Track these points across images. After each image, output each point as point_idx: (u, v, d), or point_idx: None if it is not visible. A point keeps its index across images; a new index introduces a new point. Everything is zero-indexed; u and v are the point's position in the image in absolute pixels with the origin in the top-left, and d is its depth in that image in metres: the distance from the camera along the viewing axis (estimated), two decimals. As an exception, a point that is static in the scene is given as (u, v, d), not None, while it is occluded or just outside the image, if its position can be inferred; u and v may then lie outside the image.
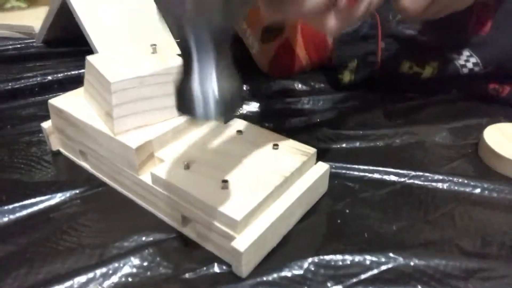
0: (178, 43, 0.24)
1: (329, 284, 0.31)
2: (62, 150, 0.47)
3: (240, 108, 0.27)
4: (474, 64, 0.54)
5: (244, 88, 0.56)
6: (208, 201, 0.32)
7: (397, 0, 0.39)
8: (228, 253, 0.32)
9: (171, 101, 0.40)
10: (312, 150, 0.38)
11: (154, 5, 0.33)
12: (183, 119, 0.41)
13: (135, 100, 0.38)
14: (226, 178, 0.34)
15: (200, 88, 0.25)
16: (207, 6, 0.23)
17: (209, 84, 0.25)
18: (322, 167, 0.39)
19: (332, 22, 0.32)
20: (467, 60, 0.54)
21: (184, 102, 0.26)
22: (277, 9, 0.31)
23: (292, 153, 0.38)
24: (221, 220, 0.32)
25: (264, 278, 0.32)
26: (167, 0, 0.24)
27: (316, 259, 0.33)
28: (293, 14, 0.32)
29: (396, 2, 0.39)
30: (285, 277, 0.32)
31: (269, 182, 0.34)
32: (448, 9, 0.43)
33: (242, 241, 0.31)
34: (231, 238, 0.31)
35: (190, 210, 0.34)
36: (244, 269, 0.31)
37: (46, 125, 0.45)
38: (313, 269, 0.32)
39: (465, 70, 0.55)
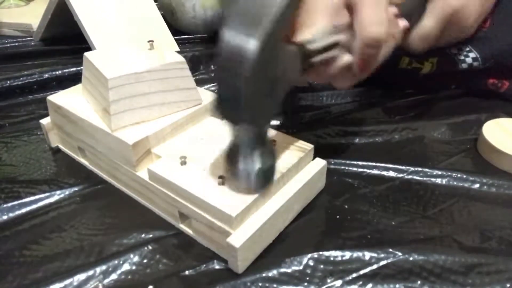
0: (231, 132, 0.32)
1: (328, 280, 0.31)
2: (61, 147, 0.47)
3: (275, 177, 0.34)
4: (474, 59, 0.54)
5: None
6: (204, 197, 0.32)
7: (407, 40, 0.44)
8: (224, 249, 0.32)
9: (167, 97, 0.40)
10: (309, 146, 0.38)
11: (151, 2, 0.35)
12: (180, 115, 0.41)
13: (132, 96, 0.38)
14: (223, 174, 0.34)
15: (245, 166, 0.31)
16: (259, 110, 0.29)
17: (252, 164, 0.31)
18: (319, 163, 0.39)
19: (346, 81, 0.39)
20: (467, 55, 0.54)
21: (232, 172, 0.32)
22: (312, 75, 0.38)
23: (289, 149, 0.38)
24: (217, 216, 0.32)
25: (264, 274, 0.32)
26: (227, 111, 0.29)
27: (315, 254, 0.33)
28: (319, 81, 0.42)
29: (406, 42, 0.44)
30: (285, 273, 0.32)
31: None
32: (452, 40, 0.49)
33: (238, 237, 0.31)
34: (227, 234, 0.31)
35: (186, 206, 0.34)
36: (240, 265, 0.31)
37: (45, 121, 0.45)
38: (312, 264, 0.32)
39: (464, 65, 0.54)
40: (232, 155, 0.32)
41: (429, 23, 0.43)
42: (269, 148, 0.33)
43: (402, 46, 0.44)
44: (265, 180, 0.32)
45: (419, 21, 0.44)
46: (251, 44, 0.26)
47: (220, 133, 0.40)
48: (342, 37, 0.36)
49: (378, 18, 0.34)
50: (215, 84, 0.28)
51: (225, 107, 0.29)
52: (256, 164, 0.31)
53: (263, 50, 0.26)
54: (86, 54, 0.41)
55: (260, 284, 0.31)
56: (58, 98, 0.43)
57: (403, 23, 0.40)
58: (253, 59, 0.26)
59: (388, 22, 0.35)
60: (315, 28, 0.35)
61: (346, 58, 0.36)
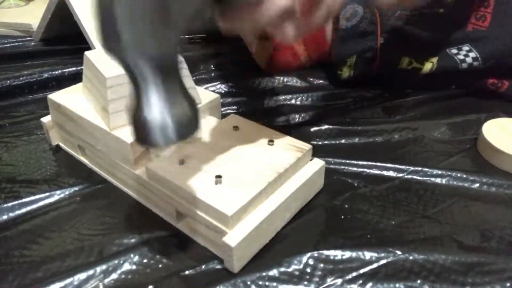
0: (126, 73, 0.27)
1: (328, 279, 0.31)
2: (61, 145, 0.47)
3: (198, 130, 0.27)
4: (474, 59, 0.54)
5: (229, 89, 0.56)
6: (201, 196, 0.32)
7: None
8: (220, 248, 0.32)
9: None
10: (307, 147, 0.38)
11: None
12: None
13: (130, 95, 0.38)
14: (220, 173, 0.34)
15: (153, 116, 0.25)
16: (140, 36, 0.23)
17: (161, 111, 0.25)
18: (318, 164, 0.39)
19: (291, 31, 0.33)
20: (467, 55, 0.54)
21: (140, 132, 0.26)
22: (234, 21, 0.31)
23: (287, 149, 0.38)
24: (213, 215, 0.32)
25: (264, 273, 0.32)
26: (107, 39, 0.24)
27: (315, 253, 0.33)
28: (251, 25, 0.32)
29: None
30: (285, 272, 0.32)
31: (262, 178, 0.34)
32: None
33: (234, 236, 0.31)
34: (223, 233, 0.31)
35: (184, 205, 0.34)
36: (236, 264, 0.32)
37: (45, 120, 0.46)
38: (312, 263, 0.32)
39: (464, 65, 0.55)
40: (132, 104, 0.26)
41: None
42: (184, 93, 0.27)
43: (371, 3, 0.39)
44: (177, 132, 0.26)
45: None
46: None
47: (219, 133, 0.40)
48: None
49: None
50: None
51: (105, 35, 0.24)
52: (163, 109, 0.25)
53: None
54: (87, 53, 0.41)
55: (260, 283, 0.31)
56: (58, 96, 0.44)
57: None
58: None
59: None
60: None
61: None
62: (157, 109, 0.25)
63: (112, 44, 0.24)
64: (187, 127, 0.26)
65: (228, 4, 0.28)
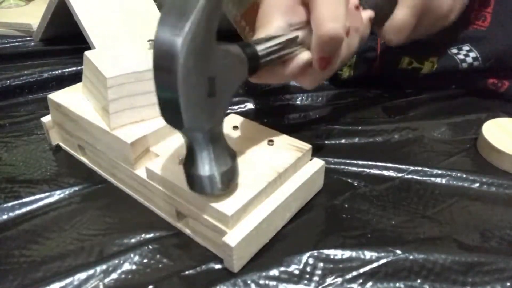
0: (183, 138, 0.32)
1: (328, 278, 0.31)
2: (61, 145, 0.47)
3: (237, 179, 0.33)
4: (474, 58, 0.54)
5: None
6: (200, 196, 0.32)
7: (381, 33, 0.42)
8: (220, 248, 0.32)
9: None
10: (307, 146, 0.38)
11: (151, 2, 0.35)
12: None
13: (131, 95, 0.38)
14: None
15: (205, 173, 0.31)
16: (197, 115, 0.28)
17: (211, 169, 0.31)
18: (318, 163, 0.39)
19: (310, 80, 0.38)
20: (467, 55, 0.54)
21: (194, 184, 0.32)
22: (268, 77, 0.37)
23: (287, 149, 0.38)
24: (213, 215, 0.32)
25: (264, 273, 0.32)
26: (169, 117, 0.29)
27: (315, 253, 0.33)
28: (278, 81, 0.40)
29: (381, 34, 0.43)
30: (285, 271, 0.32)
31: (262, 178, 0.34)
32: (430, 31, 0.46)
33: (234, 236, 0.31)
34: (223, 233, 0.31)
35: (183, 205, 0.34)
36: (236, 264, 0.31)
37: (45, 119, 0.46)
38: (312, 263, 0.32)
39: (464, 65, 0.55)
40: (188, 163, 0.32)
41: (402, 13, 0.41)
42: (227, 150, 0.32)
43: (381, 38, 0.42)
44: (223, 184, 0.31)
45: (392, 11, 0.42)
46: (179, 38, 0.25)
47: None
48: (298, 34, 0.35)
49: (334, 14, 0.33)
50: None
51: (167, 112, 0.28)
52: (212, 167, 0.30)
53: (193, 43, 0.25)
54: (86, 53, 0.41)
55: (260, 282, 0.31)
56: (58, 96, 0.44)
57: (367, 14, 0.39)
58: (183, 52, 0.25)
59: (346, 17, 0.33)
60: (270, 27, 0.35)
61: (304, 56, 0.35)
62: (207, 168, 0.31)
63: (174, 120, 0.28)
64: (229, 179, 0.32)
65: (257, 71, 0.34)
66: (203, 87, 0.28)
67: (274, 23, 0.35)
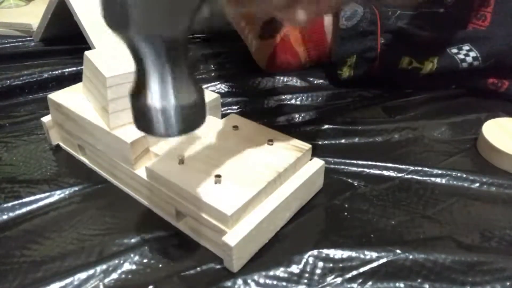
0: (130, 52, 0.25)
1: (328, 277, 0.31)
2: (61, 144, 0.47)
3: (203, 123, 0.26)
4: (474, 58, 0.54)
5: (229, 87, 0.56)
6: (200, 196, 0.32)
7: None
8: (220, 247, 0.32)
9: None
10: (307, 146, 0.38)
11: None
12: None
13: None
14: (220, 173, 0.34)
15: (158, 104, 0.23)
16: (151, 15, 0.22)
17: (167, 100, 0.23)
18: (317, 163, 0.39)
19: (299, 15, 0.32)
20: (467, 55, 0.54)
21: (142, 119, 0.24)
22: (242, 5, 0.31)
23: (286, 149, 0.38)
24: (213, 214, 0.32)
25: (264, 272, 0.32)
26: (112, 14, 0.23)
27: (315, 252, 0.33)
28: (260, 9, 0.32)
29: None
30: (285, 271, 0.32)
31: (262, 178, 0.34)
32: None
33: (233, 236, 0.31)
34: (223, 232, 0.32)
35: (183, 205, 0.34)
36: (235, 264, 0.32)
37: (46, 119, 0.46)
38: (312, 262, 0.33)
39: (464, 65, 0.55)
40: (135, 89, 0.24)
41: None
42: (191, 80, 0.25)
43: None
44: (184, 122, 0.24)
45: None
46: None
47: (219, 133, 0.40)
48: None
49: None
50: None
51: (109, 8, 0.22)
52: (169, 97, 0.23)
53: None
54: (87, 53, 0.41)
55: (260, 282, 0.31)
56: (58, 96, 0.44)
57: None
58: None
59: None
60: None
61: None
62: (162, 96, 0.23)
63: (119, 21, 0.22)
64: (192, 119, 0.25)
65: None
66: None
67: None
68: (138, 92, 0.24)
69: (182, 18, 0.23)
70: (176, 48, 0.23)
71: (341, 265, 0.32)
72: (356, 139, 0.49)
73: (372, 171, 0.43)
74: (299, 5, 0.32)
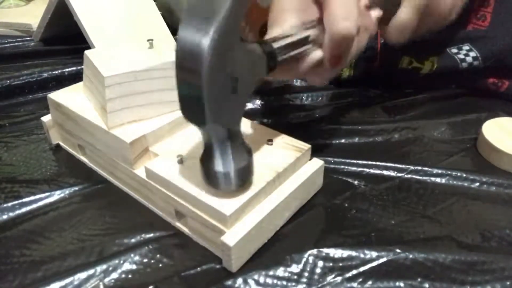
0: (202, 134, 0.32)
1: (328, 277, 0.31)
2: (61, 144, 0.47)
3: (252, 176, 0.34)
4: (474, 58, 0.54)
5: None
6: (199, 196, 0.32)
7: (384, 32, 0.43)
8: (219, 247, 0.32)
9: (166, 95, 0.40)
10: (306, 146, 0.38)
11: (151, 2, 0.35)
12: (178, 114, 0.41)
13: (129, 94, 0.38)
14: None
15: (220, 168, 0.31)
16: (219, 112, 0.29)
17: (227, 166, 0.31)
18: (317, 163, 0.39)
19: (320, 77, 0.39)
20: (467, 55, 0.54)
21: (208, 176, 0.32)
22: (283, 74, 0.38)
23: (286, 149, 0.38)
24: (212, 214, 0.32)
25: (264, 272, 0.32)
26: (190, 113, 0.30)
27: (315, 251, 0.33)
28: (291, 78, 0.43)
29: (384, 33, 0.43)
30: (285, 270, 0.32)
31: (261, 178, 0.34)
32: (431, 30, 0.47)
33: (232, 236, 0.31)
34: (222, 232, 0.32)
35: (182, 205, 0.34)
36: (234, 264, 0.32)
37: (45, 119, 0.46)
38: (312, 261, 0.33)
39: (464, 65, 0.55)
40: (206, 158, 0.32)
41: (405, 13, 0.42)
42: (244, 147, 0.33)
43: (384, 38, 0.43)
44: (240, 180, 0.32)
45: (395, 11, 0.42)
46: (206, 39, 0.26)
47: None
48: (311, 33, 0.36)
49: (346, 13, 0.33)
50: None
51: (188, 109, 0.29)
52: (230, 164, 0.31)
53: (219, 44, 0.26)
54: (87, 52, 0.41)
55: (260, 281, 0.31)
56: (58, 96, 0.44)
57: (376, 13, 0.40)
58: (209, 53, 0.26)
59: (357, 16, 0.34)
60: (284, 26, 0.36)
61: (317, 54, 0.36)
62: (224, 164, 0.31)
63: (196, 117, 0.29)
64: (244, 175, 0.33)
65: (274, 68, 0.34)
66: (226, 85, 0.29)
67: (288, 21, 0.36)
68: (207, 159, 0.32)
69: (239, 113, 0.32)
70: (234, 129, 0.32)
71: (341, 264, 0.32)
72: (356, 139, 0.49)
73: (372, 171, 0.43)
74: (321, 69, 0.38)
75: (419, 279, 0.31)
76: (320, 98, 0.58)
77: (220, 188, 0.32)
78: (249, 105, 0.56)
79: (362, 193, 0.40)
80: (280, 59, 0.34)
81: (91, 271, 0.32)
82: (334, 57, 0.36)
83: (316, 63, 0.36)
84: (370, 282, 0.31)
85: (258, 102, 0.56)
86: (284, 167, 0.36)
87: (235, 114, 0.31)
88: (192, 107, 0.29)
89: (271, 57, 0.33)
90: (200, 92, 0.27)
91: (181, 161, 0.36)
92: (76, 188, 0.41)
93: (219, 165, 0.31)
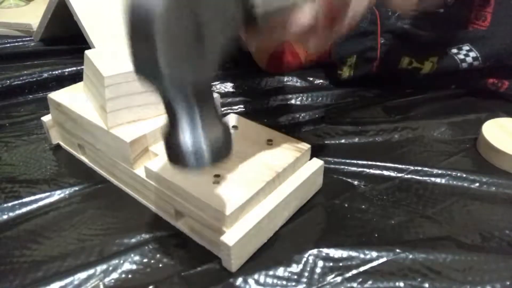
0: (162, 101, 0.27)
1: (328, 277, 0.31)
2: (61, 144, 0.47)
3: (230, 153, 0.29)
4: (474, 58, 0.54)
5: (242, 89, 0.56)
6: (198, 195, 0.32)
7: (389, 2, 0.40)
8: (218, 247, 0.32)
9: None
10: (306, 146, 0.38)
11: None
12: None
13: (128, 94, 0.38)
14: (219, 172, 0.35)
15: (188, 140, 0.25)
16: (179, 64, 0.24)
17: (196, 135, 0.26)
18: (316, 163, 0.39)
19: (313, 43, 0.34)
20: (467, 55, 0.54)
21: (174, 154, 0.27)
22: (269, 35, 0.34)
23: (286, 149, 0.38)
24: (211, 214, 0.32)
25: (264, 271, 0.32)
26: (141, 63, 0.24)
27: (315, 251, 0.33)
28: (282, 38, 0.37)
29: (389, 1, 0.40)
30: (286, 270, 0.32)
31: (261, 178, 0.34)
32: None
33: (231, 235, 0.31)
34: (221, 232, 0.32)
35: (182, 204, 0.34)
36: (234, 263, 0.32)
37: (46, 118, 0.46)
38: (312, 261, 0.33)
39: (464, 65, 0.55)
40: (169, 132, 0.27)
41: None
42: (217, 117, 0.27)
43: (386, 5, 0.40)
44: (211, 155, 0.26)
45: None
46: None
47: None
48: None
49: None
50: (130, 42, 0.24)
51: (140, 58, 0.24)
52: (197, 136, 0.26)
53: None
54: (87, 52, 0.41)
55: (260, 281, 0.31)
56: (58, 95, 0.44)
57: None
58: None
59: None
60: None
61: (310, 11, 0.31)
62: (192, 136, 0.26)
63: (148, 71, 0.24)
64: (220, 151, 0.27)
65: (254, 25, 0.29)
66: (187, 29, 0.23)
67: None
68: (171, 132, 0.26)
69: (207, 71, 0.26)
70: (203, 91, 0.26)
71: (341, 264, 0.32)
72: (356, 139, 0.49)
73: (372, 171, 0.43)
74: (314, 34, 0.33)
75: (419, 279, 0.31)
76: (320, 98, 0.58)
77: (190, 165, 0.26)
78: (249, 105, 0.56)
79: (362, 193, 0.40)
80: (262, 11, 0.28)
81: (91, 271, 0.32)
82: (329, 15, 0.32)
83: (309, 21, 0.32)
84: (370, 282, 0.31)
85: (258, 102, 0.56)
86: (283, 167, 0.36)
87: (201, 70, 0.25)
88: (143, 54, 0.23)
89: (249, 7, 0.28)
90: (152, 32, 0.22)
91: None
92: (76, 188, 0.41)
93: (185, 137, 0.25)
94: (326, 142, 0.48)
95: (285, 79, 0.62)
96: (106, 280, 0.32)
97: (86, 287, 0.31)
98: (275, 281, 0.31)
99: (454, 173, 0.42)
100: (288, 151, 0.38)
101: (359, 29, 0.56)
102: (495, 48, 0.53)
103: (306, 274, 0.32)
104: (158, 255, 0.34)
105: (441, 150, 0.47)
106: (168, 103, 0.26)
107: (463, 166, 0.44)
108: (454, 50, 0.55)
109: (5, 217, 0.38)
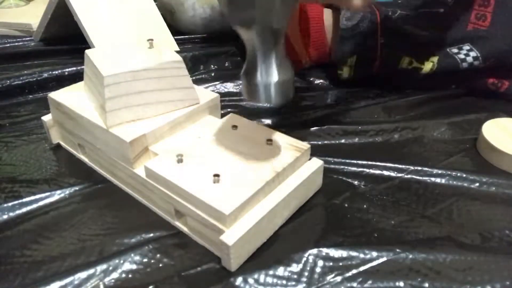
0: (244, 42, 0.32)
1: (328, 276, 0.31)
2: (62, 143, 0.47)
3: (293, 95, 0.34)
4: (474, 58, 0.54)
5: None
6: (198, 195, 0.32)
7: None
8: (217, 247, 0.32)
9: (164, 95, 0.40)
10: (306, 146, 0.38)
11: (151, 2, 0.37)
12: (177, 113, 0.41)
13: (128, 94, 0.38)
14: (218, 172, 0.35)
15: (264, 78, 0.31)
16: (270, 12, 0.29)
17: (271, 75, 0.31)
18: (316, 163, 0.39)
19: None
20: (467, 55, 0.54)
21: (250, 90, 0.32)
22: None
23: (285, 148, 0.38)
24: (211, 214, 0.32)
25: (264, 271, 0.32)
26: (240, 13, 0.30)
27: (315, 251, 0.33)
28: None
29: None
30: (285, 269, 0.32)
31: (260, 177, 0.34)
32: None
33: (231, 235, 0.31)
34: (221, 231, 0.32)
35: (181, 204, 0.34)
36: (233, 263, 0.32)
37: (46, 118, 0.46)
38: (312, 261, 0.33)
39: (465, 65, 0.55)
40: (248, 71, 0.32)
41: None
42: (287, 60, 0.32)
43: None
44: (283, 94, 0.32)
45: None
46: None
47: (218, 132, 0.40)
48: None
49: None
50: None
51: (237, 9, 0.30)
52: (274, 76, 0.31)
53: None
54: (87, 51, 0.42)
55: (260, 280, 0.31)
56: (59, 95, 0.44)
57: None
58: None
59: None
60: None
61: None
62: (268, 74, 0.31)
63: (243, 15, 0.29)
64: (287, 92, 0.32)
65: None
66: None
67: None
68: (250, 72, 0.32)
69: (286, 14, 0.31)
70: (279, 37, 0.31)
71: (341, 264, 0.32)
72: (356, 139, 0.49)
73: (372, 171, 0.43)
74: None
75: (419, 279, 0.31)
76: (320, 98, 0.58)
77: (260, 100, 0.32)
78: (249, 105, 0.56)
79: (362, 193, 0.40)
80: None
81: (91, 271, 0.32)
82: None
83: None
84: (370, 282, 0.31)
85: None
86: (283, 167, 0.36)
87: (282, 14, 0.31)
88: (242, 5, 0.29)
89: None
90: None
91: (180, 160, 0.36)
92: (76, 188, 0.41)
93: (262, 76, 0.31)
94: (325, 142, 0.48)
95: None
96: (106, 280, 0.32)
97: (86, 287, 0.31)
98: (275, 280, 0.31)
99: (454, 173, 0.42)
100: (288, 151, 0.38)
101: (359, 29, 0.56)
102: (495, 48, 0.53)
103: (306, 273, 0.32)
104: (158, 255, 0.34)
105: (441, 150, 0.47)
106: (252, 45, 0.31)
107: (463, 166, 0.44)
108: (455, 50, 0.55)
109: (5, 217, 0.38)
